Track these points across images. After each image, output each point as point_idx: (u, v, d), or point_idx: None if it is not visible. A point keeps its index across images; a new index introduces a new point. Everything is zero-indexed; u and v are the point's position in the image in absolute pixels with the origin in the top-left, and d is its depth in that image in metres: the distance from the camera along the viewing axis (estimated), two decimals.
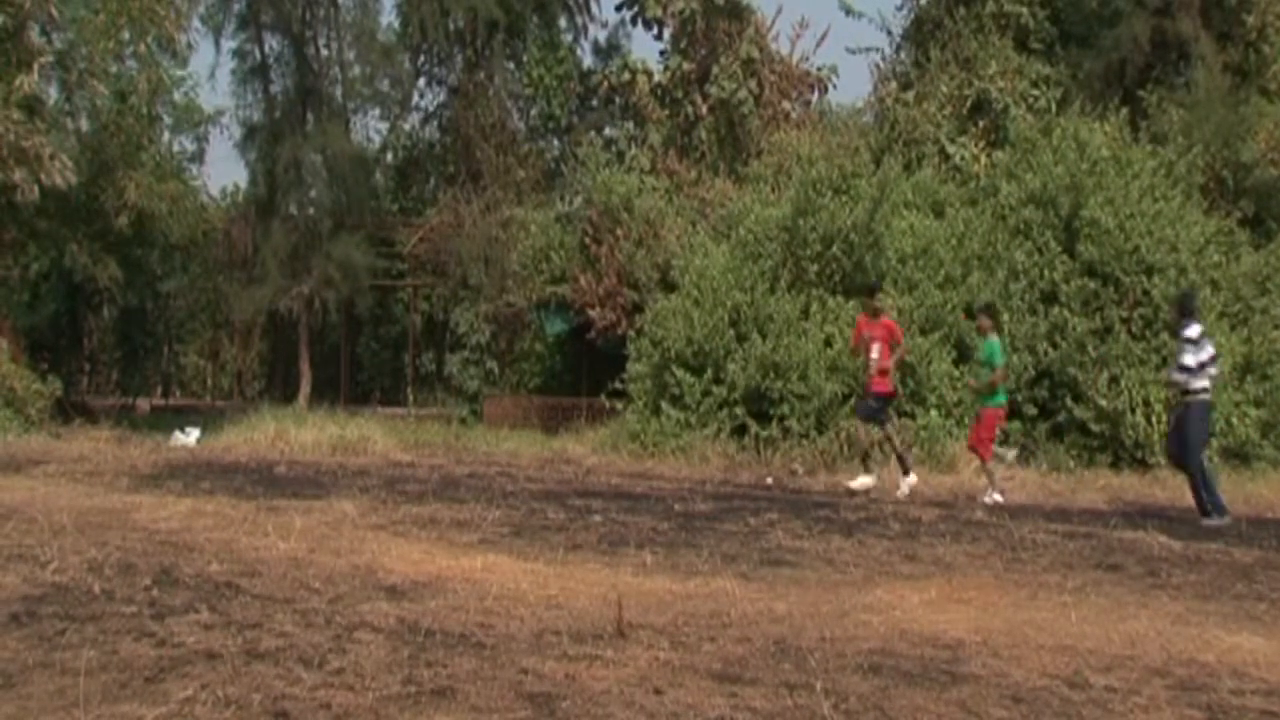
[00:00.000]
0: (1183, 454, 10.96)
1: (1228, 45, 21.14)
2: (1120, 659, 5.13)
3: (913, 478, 12.20)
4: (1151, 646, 5.39)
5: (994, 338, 12.63)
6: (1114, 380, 14.63)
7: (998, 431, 12.84)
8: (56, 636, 4.86)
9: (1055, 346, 15.12)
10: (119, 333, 33.73)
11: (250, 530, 7.87)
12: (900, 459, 12.44)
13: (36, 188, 18.43)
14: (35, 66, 19.23)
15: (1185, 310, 11.26)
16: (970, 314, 15.87)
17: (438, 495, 10.74)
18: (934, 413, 14.96)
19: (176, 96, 29.81)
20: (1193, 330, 10.99)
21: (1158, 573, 7.66)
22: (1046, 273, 15.60)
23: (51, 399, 18.70)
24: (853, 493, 12.02)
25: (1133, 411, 14.46)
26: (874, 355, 12.32)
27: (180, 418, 21.77)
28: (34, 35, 19.98)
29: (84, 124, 23.33)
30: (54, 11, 19.95)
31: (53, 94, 21.99)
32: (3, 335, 19.91)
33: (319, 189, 30.83)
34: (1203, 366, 10.92)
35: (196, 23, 27.85)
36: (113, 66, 22.20)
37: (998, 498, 11.75)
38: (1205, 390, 11.02)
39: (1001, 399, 12.58)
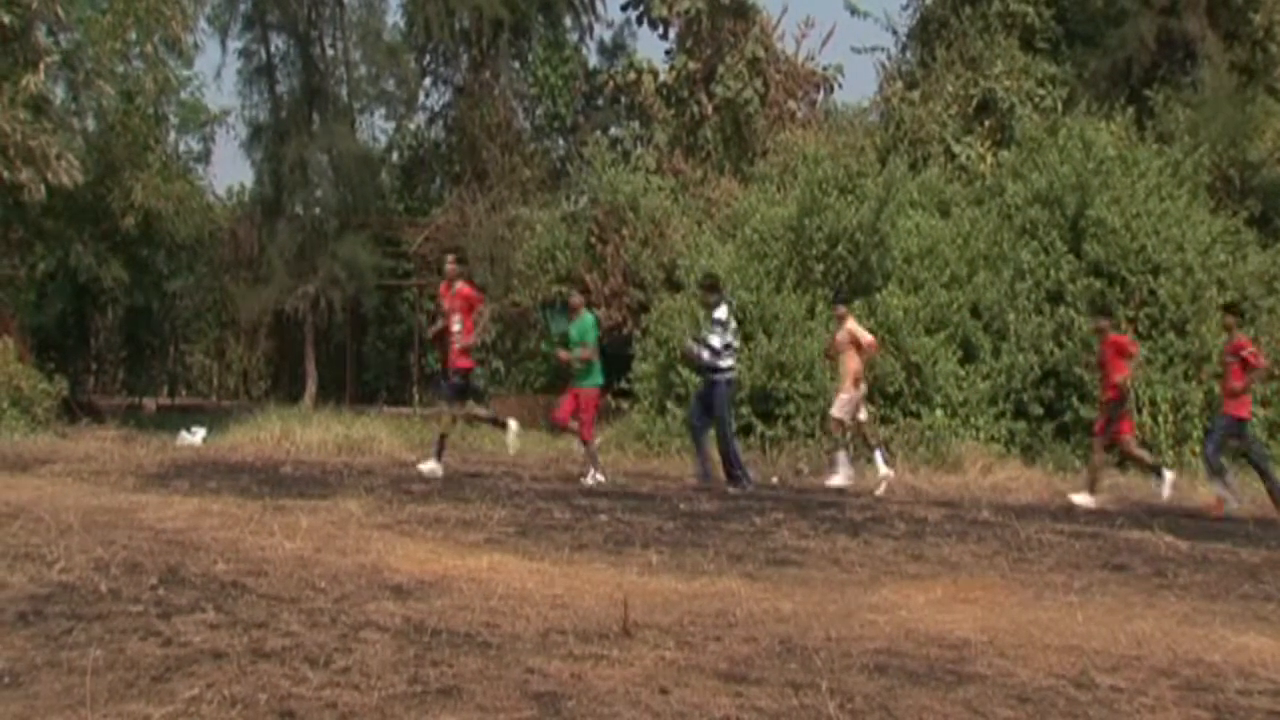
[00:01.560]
0: (699, 424, 12.23)
1: (1234, 44, 21.11)
2: (1127, 659, 5.12)
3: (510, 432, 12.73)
4: (1158, 646, 5.38)
5: (586, 315, 12.91)
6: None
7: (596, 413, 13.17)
8: (63, 635, 4.87)
9: (1061, 346, 15.10)
10: (125, 332, 33.77)
11: (256, 530, 7.87)
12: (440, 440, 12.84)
13: (43, 187, 18.46)
14: (42, 66, 19.25)
15: (713, 291, 12.07)
16: (975, 313, 15.88)
17: (443, 495, 10.74)
18: (939, 412, 14.95)
19: (183, 96, 29.80)
20: (721, 312, 11.84)
21: (1164, 573, 7.64)
22: (1052, 272, 15.58)
23: (58, 398, 18.71)
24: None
25: (1139, 411, 14.43)
26: (455, 328, 12.26)
27: (186, 417, 21.80)
28: (41, 35, 20.00)
29: (90, 124, 23.35)
30: (60, 12, 19.97)
31: (59, 94, 22.01)
32: (9, 335, 19.93)
33: (325, 189, 30.84)
34: (728, 347, 11.83)
35: (203, 23, 27.87)
36: (119, 67, 22.21)
37: (599, 478, 12.21)
38: (732, 369, 12.14)
39: (599, 380, 12.83)
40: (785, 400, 15.19)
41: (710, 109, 24.05)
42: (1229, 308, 12.63)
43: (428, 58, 32.72)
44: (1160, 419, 14.35)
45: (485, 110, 30.19)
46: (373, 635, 5.07)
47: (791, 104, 24.24)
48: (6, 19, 18.52)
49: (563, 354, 13.21)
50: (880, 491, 12.14)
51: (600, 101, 30.81)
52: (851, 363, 12.58)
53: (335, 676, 4.38)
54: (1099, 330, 12.52)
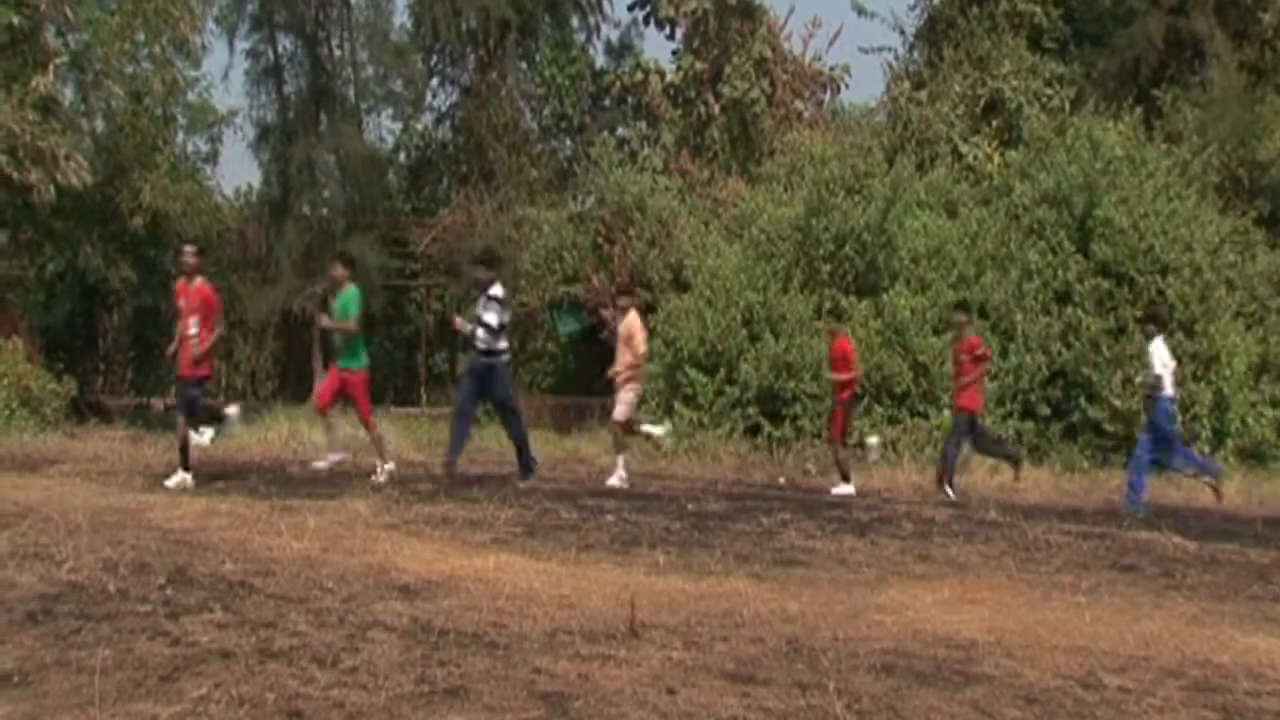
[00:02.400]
0: (468, 410, 11.95)
1: (1243, 44, 21.06)
2: (1135, 660, 5.12)
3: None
4: (1166, 647, 5.37)
5: (350, 287, 11.85)
6: (1128, 380, 14.58)
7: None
8: (72, 635, 4.88)
9: (1069, 346, 15.07)
10: (133, 333, 33.82)
11: (264, 530, 7.89)
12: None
13: (52, 188, 18.50)
14: (51, 68, 19.30)
15: (489, 267, 11.73)
16: (983, 313, 15.85)
17: (450, 495, 10.74)
18: (947, 413, 14.90)
19: (190, 97, 29.84)
20: (498, 289, 11.43)
21: (1172, 573, 7.63)
22: (1060, 272, 15.55)
23: (67, 398, 18.77)
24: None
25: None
26: (192, 332, 10.75)
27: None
28: (50, 37, 20.06)
29: (99, 125, 23.41)
30: (69, 13, 20.02)
31: (68, 95, 22.07)
32: (18, 335, 19.98)
33: (332, 189, 30.87)
34: (503, 327, 11.39)
35: (210, 24, 27.90)
36: (128, 67, 22.25)
37: (389, 468, 11.43)
38: (507, 351, 11.63)
39: (363, 362, 11.85)
40: (792, 400, 15.18)
41: (717, 109, 24.05)
42: (960, 305, 13.13)
43: (435, 58, 32.72)
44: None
45: (492, 110, 30.19)
46: (380, 635, 5.07)
47: (798, 104, 24.23)
48: (16, 20, 18.57)
49: (325, 321, 12.76)
50: (617, 486, 11.95)
51: (607, 102, 30.79)
52: (624, 358, 12.19)
53: (343, 676, 4.39)
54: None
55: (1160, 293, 15.08)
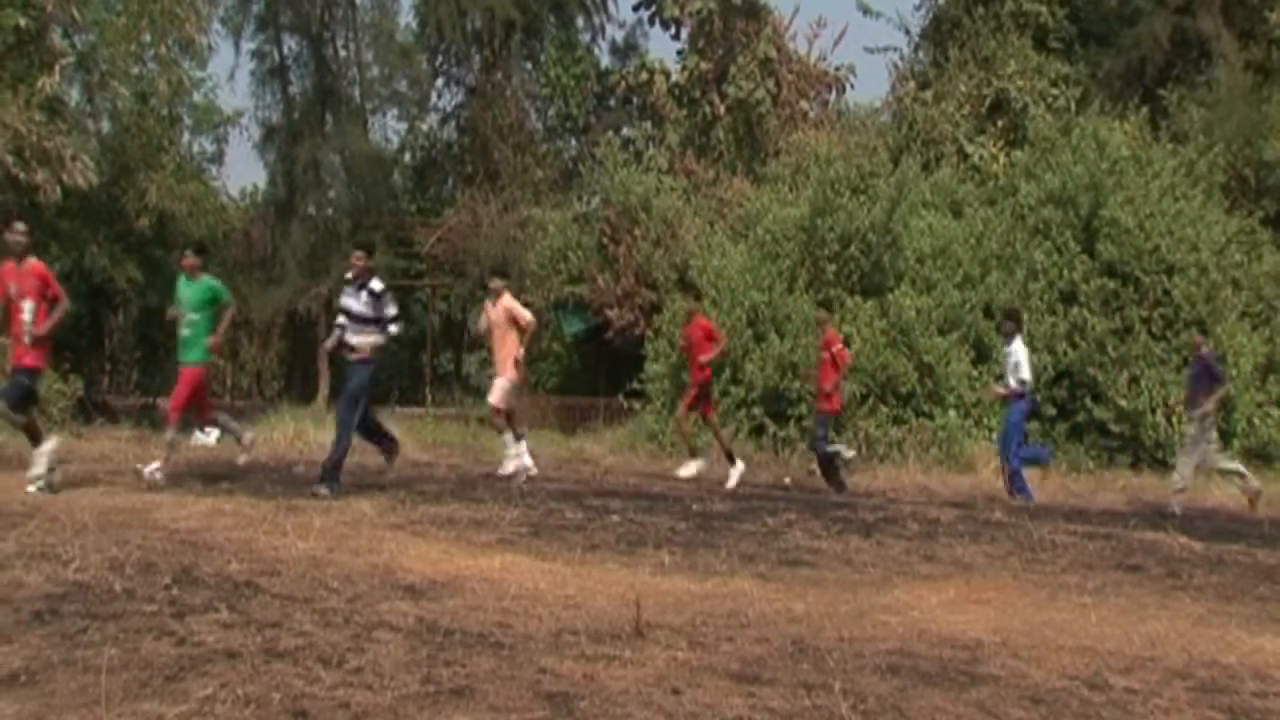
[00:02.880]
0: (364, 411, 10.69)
1: (1250, 43, 21.04)
2: (1141, 660, 5.11)
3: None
4: (1173, 648, 5.36)
5: (205, 279, 10.83)
6: (1134, 380, 14.57)
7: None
8: (78, 634, 4.89)
9: (1074, 347, 15.06)
10: (139, 333, 33.88)
11: (269, 530, 7.89)
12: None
13: (59, 188, 18.54)
14: (57, 68, 19.34)
15: (371, 254, 11.03)
16: (988, 313, 15.84)
17: (456, 495, 10.74)
18: (952, 413, 14.93)
19: (196, 98, 29.90)
20: (378, 283, 10.63)
21: (1179, 574, 7.62)
22: (1066, 272, 15.54)
23: (73, 399, 18.79)
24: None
25: (1153, 412, 14.39)
26: (26, 316, 9.65)
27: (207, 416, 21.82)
28: (56, 38, 20.10)
29: (105, 125, 23.45)
30: (76, 14, 20.07)
31: (74, 96, 22.12)
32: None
33: (337, 189, 30.95)
34: (396, 319, 10.72)
35: (216, 24, 27.97)
36: (134, 68, 22.28)
37: (157, 476, 10.60)
38: (383, 349, 10.78)
39: (205, 356, 10.80)
40: (797, 400, 15.18)
41: (722, 109, 24.05)
42: (822, 304, 13.39)
43: (440, 58, 32.79)
44: (1175, 420, 14.29)
45: (497, 111, 30.23)
46: (385, 635, 5.07)
47: (804, 104, 24.23)
48: (22, 22, 18.62)
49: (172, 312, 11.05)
50: (512, 470, 11.83)
51: (612, 102, 30.82)
52: (509, 344, 11.92)
53: (348, 676, 4.39)
54: (689, 312, 13.06)
55: (1166, 293, 15.06)
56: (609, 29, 33.78)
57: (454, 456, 15.23)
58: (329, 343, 10.95)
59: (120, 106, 22.74)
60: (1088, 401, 14.85)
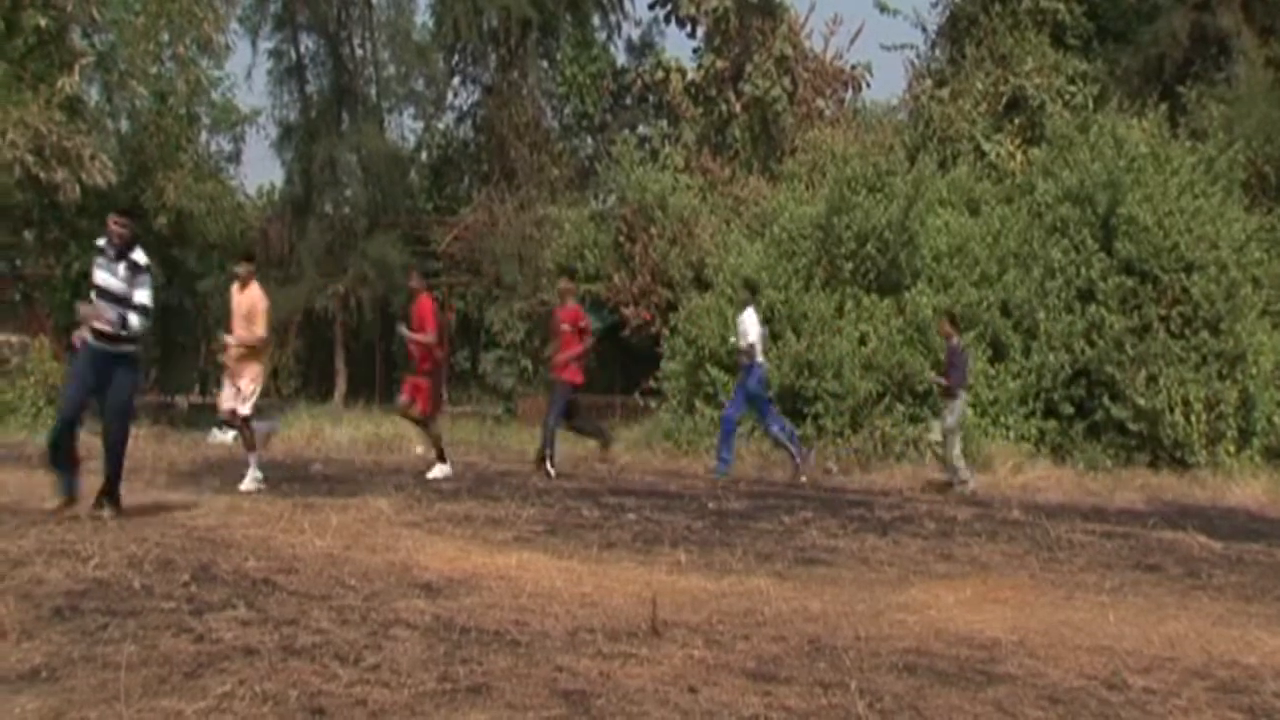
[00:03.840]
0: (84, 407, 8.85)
1: (1270, 39, 20.89)
2: (1160, 660, 5.09)
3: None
4: (1192, 648, 5.34)
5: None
6: (1152, 379, 14.49)
7: None
8: (98, 631, 4.92)
9: (1092, 345, 14.98)
10: (157, 331, 34.02)
11: (287, 527, 7.93)
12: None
13: (78, 188, 18.66)
14: (77, 68, 19.45)
15: (132, 217, 9.91)
16: (1005, 311, 15.78)
17: (472, 493, 10.77)
18: (969, 411, 14.85)
19: (214, 97, 29.97)
20: (141, 255, 9.68)
21: (1198, 573, 7.58)
22: (1083, 270, 15.46)
23: None
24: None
25: (1171, 410, 14.31)
26: None
27: (217, 416, 21.95)
28: (76, 38, 20.22)
29: (124, 125, 23.54)
30: (95, 14, 20.18)
31: (94, 95, 22.21)
32: (45, 334, 20.16)
33: (354, 188, 30.99)
34: (144, 311, 9.30)
35: (234, 24, 28.02)
36: (152, 68, 22.36)
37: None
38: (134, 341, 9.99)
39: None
40: (814, 399, 15.15)
41: (738, 107, 24.01)
42: (565, 271, 13.73)
43: (456, 57, 32.77)
44: (1194, 418, 14.22)
45: (514, 109, 30.23)
46: (402, 633, 5.09)
47: (820, 102, 24.16)
48: (43, 22, 18.73)
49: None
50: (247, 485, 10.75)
51: (628, 100, 30.79)
52: (240, 333, 10.83)
53: (365, 674, 4.41)
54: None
55: (1185, 291, 14.97)
56: (625, 27, 33.74)
57: (470, 454, 15.27)
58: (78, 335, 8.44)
59: (139, 106, 22.84)
60: (1105, 400, 14.77)
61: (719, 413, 15.75)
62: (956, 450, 12.75)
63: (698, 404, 16.11)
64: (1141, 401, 14.40)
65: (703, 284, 18.27)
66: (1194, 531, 9.17)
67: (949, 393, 12.87)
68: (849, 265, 16.28)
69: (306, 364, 36.22)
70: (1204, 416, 14.31)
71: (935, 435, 13.57)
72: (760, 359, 13.24)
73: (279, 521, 8.17)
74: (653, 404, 17.36)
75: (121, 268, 8.25)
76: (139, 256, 8.36)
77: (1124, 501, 12.12)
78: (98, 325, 8.04)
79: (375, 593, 5.96)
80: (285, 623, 5.20)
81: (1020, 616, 5.93)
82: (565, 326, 12.76)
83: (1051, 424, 15.00)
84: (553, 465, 12.67)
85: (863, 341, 15.48)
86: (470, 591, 6.06)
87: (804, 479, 12.94)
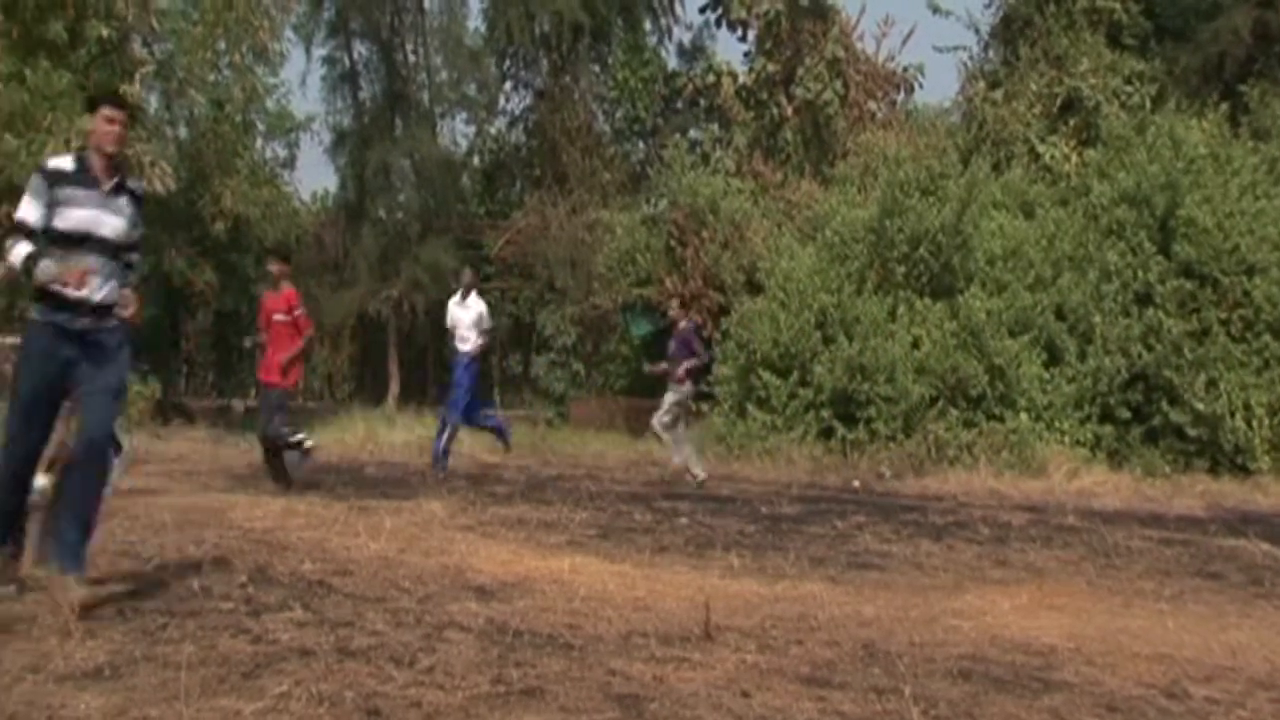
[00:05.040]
0: None
1: None
2: (1221, 670, 5.00)
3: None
4: (1255, 657, 5.24)
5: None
6: (1212, 383, 14.25)
7: None
8: (158, 631, 5.00)
9: (1150, 349, 14.77)
10: (215, 335, 34.53)
11: (342, 530, 8.00)
12: None
13: None
14: (137, 77, 19.85)
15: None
16: (1060, 315, 15.60)
17: (525, 497, 10.82)
18: (1024, 416, 14.71)
19: (269, 104, 30.44)
20: (137, 184, 9.74)
21: (1261, 581, 7.44)
22: (1140, 273, 15.25)
23: (152, 400, 19.22)
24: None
25: (1232, 415, 14.07)
26: None
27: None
28: (137, 47, 20.62)
29: (182, 132, 23.98)
30: (155, 24, 20.58)
31: (153, 103, 22.62)
32: None
33: (407, 193, 31.31)
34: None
35: (288, 31, 28.41)
36: (209, 76, 22.77)
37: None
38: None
39: None
40: (866, 403, 15.07)
41: (790, 111, 23.94)
42: (280, 253, 11.74)
43: (508, 62, 32.98)
44: (1255, 424, 13.97)
45: (565, 114, 30.36)
46: (456, 635, 5.12)
47: (872, 105, 24.03)
48: (105, 32, 19.13)
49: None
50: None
51: (679, 104, 30.82)
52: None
53: (420, 676, 4.44)
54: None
55: (1246, 294, 14.72)
56: (676, 31, 33.79)
57: (523, 458, 15.34)
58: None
59: (197, 113, 23.27)
60: (1163, 405, 14.56)
61: (771, 417, 15.75)
62: (679, 433, 13.43)
63: (749, 408, 16.07)
64: (1201, 406, 14.17)
65: (754, 288, 18.23)
66: (1256, 539, 9.01)
67: (690, 375, 13.35)
68: (901, 269, 16.18)
69: (360, 368, 36.57)
70: (1266, 422, 14.06)
71: (667, 434, 13.69)
72: (470, 348, 13.22)
73: (334, 524, 8.25)
74: (704, 408, 17.35)
75: (124, 201, 5.56)
76: (136, 185, 5.77)
77: (1183, 508, 11.93)
78: (75, 289, 5.26)
79: (429, 595, 6.00)
80: (341, 625, 5.25)
81: (1077, 623, 5.86)
82: (278, 316, 10.63)
83: (1108, 429, 14.80)
84: (288, 477, 10.86)
85: (915, 345, 15.37)
86: (523, 595, 6.09)
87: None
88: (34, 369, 5.38)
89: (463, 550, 7.45)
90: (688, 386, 13.52)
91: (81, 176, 5.42)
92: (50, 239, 5.30)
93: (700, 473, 13.10)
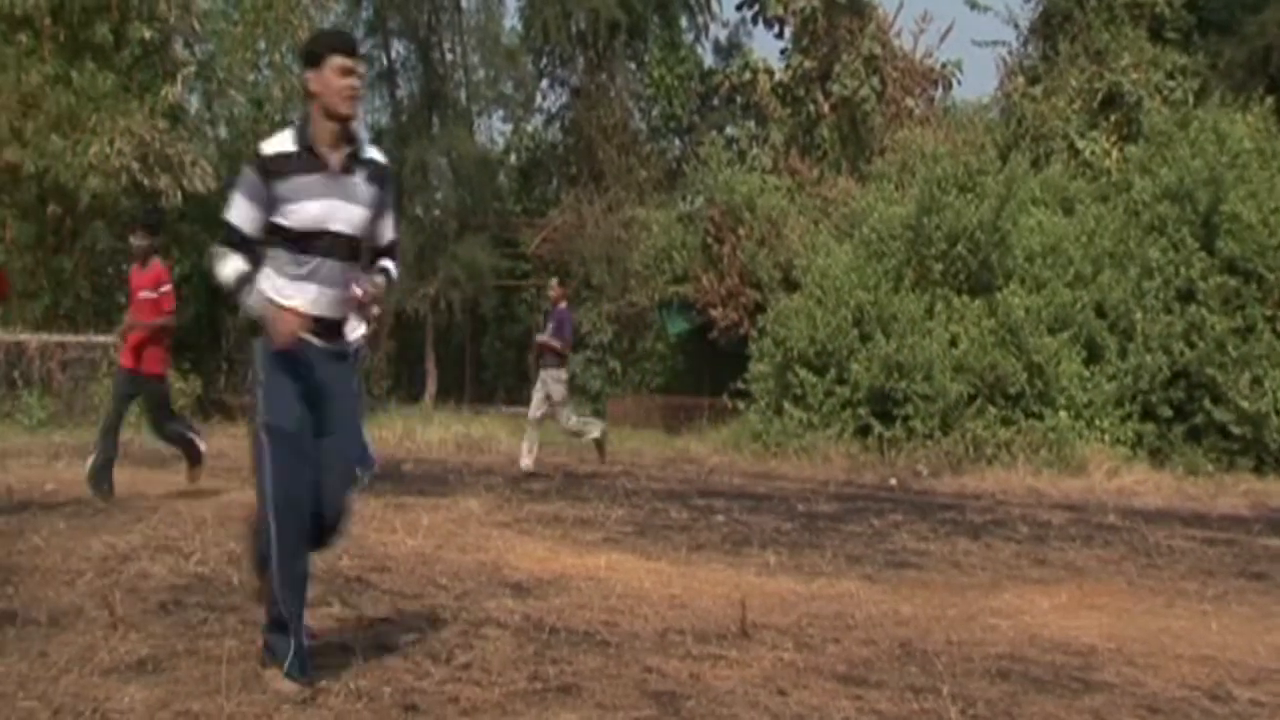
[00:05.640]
0: None
1: None
2: (1267, 672, 4.94)
3: None
4: None
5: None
6: (1257, 381, 14.07)
7: None
8: (200, 625, 5.06)
9: (1192, 346, 14.60)
10: (253, 333, 34.76)
11: (379, 526, 8.06)
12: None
13: (179, 193, 19.24)
14: (179, 77, 20.07)
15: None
16: (1101, 312, 15.44)
17: (561, 494, 10.86)
18: (1063, 414, 14.58)
19: None
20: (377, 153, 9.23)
21: None
22: (1183, 270, 15.07)
23: (193, 397, 19.41)
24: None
25: (1278, 414, 13.89)
26: None
27: None
28: (178, 48, 20.86)
29: (222, 131, 24.18)
30: (196, 25, 20.80)
31: (194, 103, 22.85)
32: None
33: (444, 191, 31.42)
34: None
35: None
36: (249, 75, 22.96)
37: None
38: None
39: None
40: (904, 401, 14.98)
41: (826, 107, 23.84)
42: (148, 224, 9.83)
43: (545, 60, 33.01)
44: None
45: (602, 111, 30.38)
46: (493, 632, 5.15)
47: (909, 101, 23.88)
48: (148, 34, 19.36)
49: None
50: None
51: (716, 101, 30.76)
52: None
53: (457, 672, 4.47)
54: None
55: None
56: (712, 29, 33.69)
57: (559, 455, 15.37)
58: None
59: (237, 113, 23.45)
60: (1206, 403, 14.38)
61: (808, 414, 15.69)
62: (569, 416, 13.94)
63: (786, 405, 16.02)
64: (1245, 404, 14.00)
65: (791, 285, 18.18)
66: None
67: (558, 358, 13.69)
68: (939, 266, 16.08)
69: (397, 365, 36.76)
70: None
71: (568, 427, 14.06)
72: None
73: (372, 521, 8.30)
74: (741, 405, 17.32)
75: (360, 180, 4.36)
76: (375, 157, 4.53)
77: (1227, 507, 11.79)
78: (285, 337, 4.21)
79: (466, 592, 6.03)
80: (378, 620, 5.30)
81: (1117, 623, 5.81)
82: (143, 294, 9.44)
83: (1149, 427, 14.64)
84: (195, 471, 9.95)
85: (953, 343, 15.27)
86: (560, 592, 6.11)
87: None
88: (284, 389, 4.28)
89: (499, 547, 7.48)
90: (563, 371, 13.95)
91: (305, 157, 4.23)
92: (279, 240, 4.24)
93: (529, 462, 13.32)
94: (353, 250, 4.33)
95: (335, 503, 4.40)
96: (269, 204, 4.19)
